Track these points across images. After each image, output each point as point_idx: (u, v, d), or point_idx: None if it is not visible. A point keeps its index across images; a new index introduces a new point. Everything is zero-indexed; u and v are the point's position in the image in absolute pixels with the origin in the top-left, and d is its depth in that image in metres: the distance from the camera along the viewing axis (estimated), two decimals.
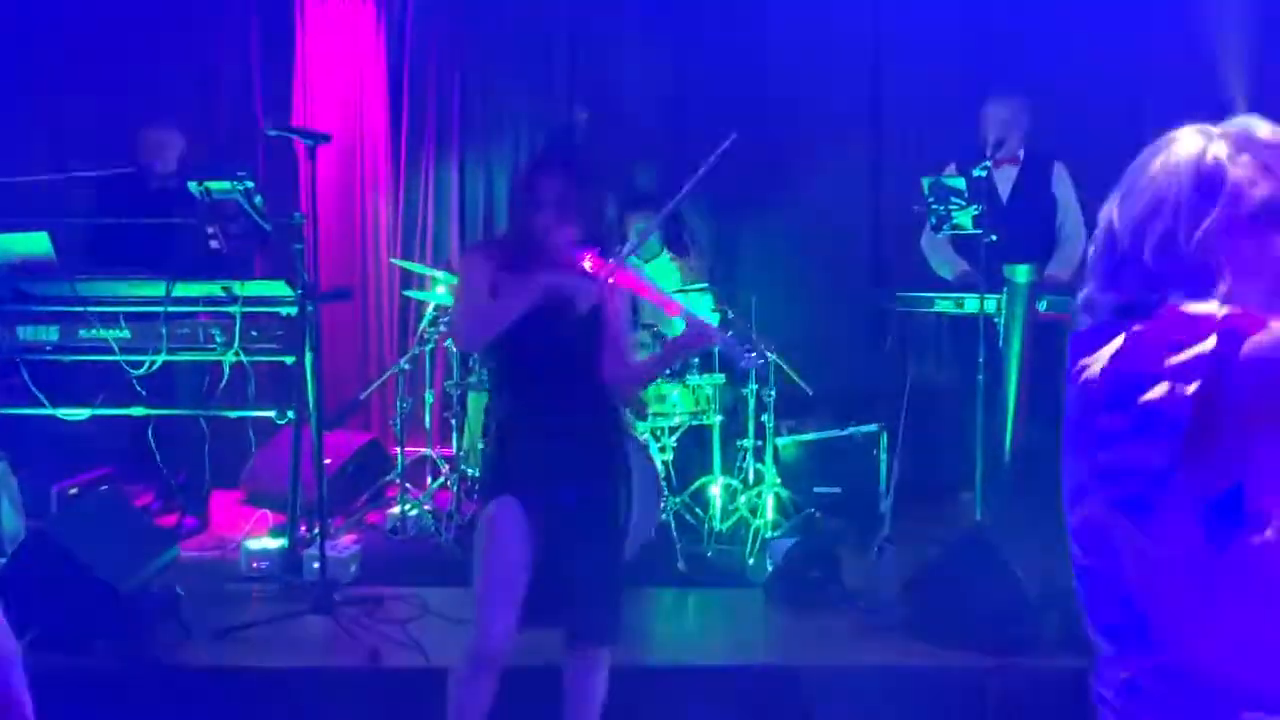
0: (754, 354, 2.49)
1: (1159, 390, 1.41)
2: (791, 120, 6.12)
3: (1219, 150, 1.49)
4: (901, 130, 6.14)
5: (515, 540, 2.75)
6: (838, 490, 5.50)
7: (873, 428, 5.52)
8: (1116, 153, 5.10)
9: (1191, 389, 1.40)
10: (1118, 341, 1.48)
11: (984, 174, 4.55)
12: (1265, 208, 1.47)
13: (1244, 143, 1.50)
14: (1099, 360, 1.50)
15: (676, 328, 2.69)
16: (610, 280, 2.64)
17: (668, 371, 3.54)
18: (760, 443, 5.25)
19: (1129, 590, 1.52)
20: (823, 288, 6.10)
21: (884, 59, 6.09)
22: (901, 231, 6.07)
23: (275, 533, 4.91)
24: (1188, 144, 1.53)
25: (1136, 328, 1.48)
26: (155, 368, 4.67)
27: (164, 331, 4.65)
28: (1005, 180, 4.98)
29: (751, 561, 4.70)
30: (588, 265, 2.66)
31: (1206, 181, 1.48)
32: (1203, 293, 1.46)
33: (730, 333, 2.49)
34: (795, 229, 6.15)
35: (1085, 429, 1.54)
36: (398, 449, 5.40)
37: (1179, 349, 1.42)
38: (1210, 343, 1.40)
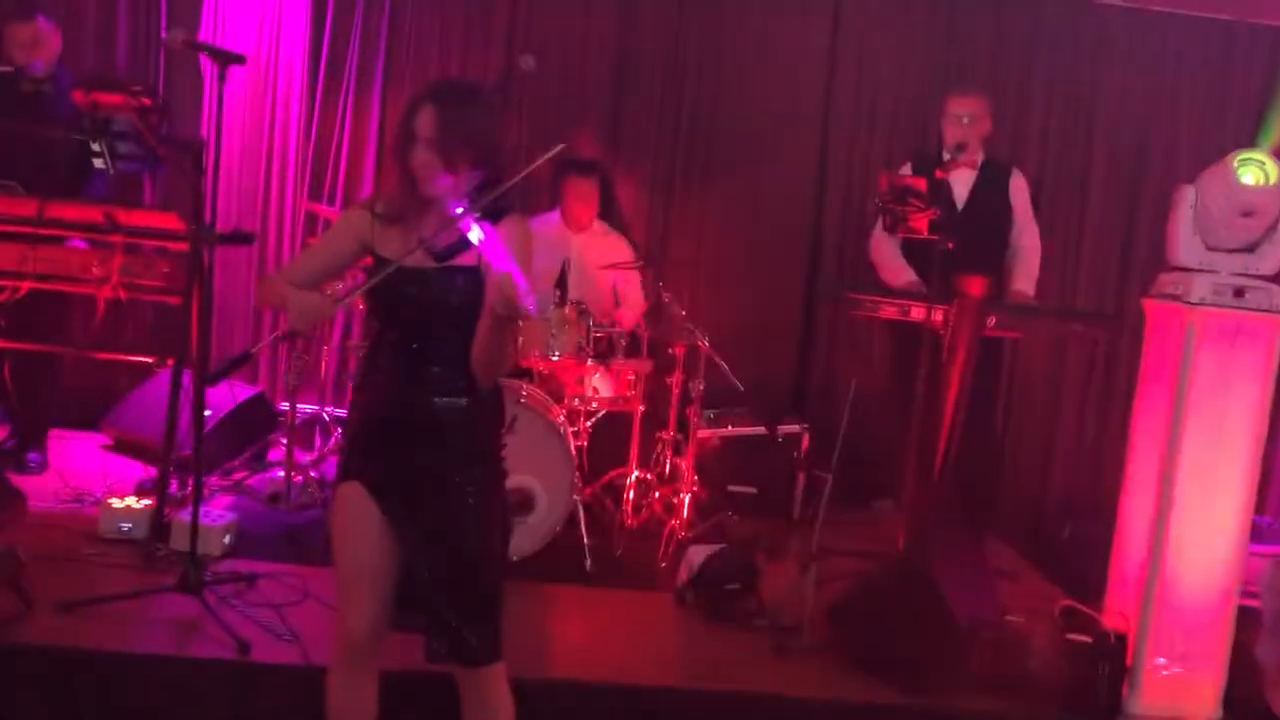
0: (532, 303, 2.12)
1: None
2: (740, 98, 5.80)
3: None
4: (851, 126, 5.87)
5: (361, 528, 2.48)
6: (753, 490, 5.27)
7: (795, 428, 5.30)
8: (1070, 165, 4.95)
9: None
10: None
11: (945, 176, 4.30)
12: None
13: None
14: None
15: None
16: (470, 236, 2.21)
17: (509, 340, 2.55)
18: (681, 436, 4.96)
19: None
20: (760, 280, 5.81)
21: (841, 48, 5.81)
22: (844, 229, 5.85)
23: (143, 489, 4.45)
24: None
25: None
26: (18, 295, 4.13)
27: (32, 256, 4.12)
28: (961, 185, 4.73)
29: (664, 565, 4.40)
30: (459, 218, 2.26)
31: None
32: None
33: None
34: (736, 215, 5.84)
35: None
36: (286, 405, 4.95)
37: None
38: None
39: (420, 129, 2.37)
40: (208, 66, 5.39)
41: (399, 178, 2.46)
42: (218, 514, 4.19)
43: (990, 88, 5.04)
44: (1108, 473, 5.67)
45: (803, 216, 5.87)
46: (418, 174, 2.40)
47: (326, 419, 5.39)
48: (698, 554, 4.06)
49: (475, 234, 2.18)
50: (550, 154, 2.41)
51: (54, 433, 5.00)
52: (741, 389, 4.64)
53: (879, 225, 4.72)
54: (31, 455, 4.76)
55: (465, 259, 2.37)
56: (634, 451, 4.74)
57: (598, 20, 5.82)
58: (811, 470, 5.21)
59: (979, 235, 4.60)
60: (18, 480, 4.58)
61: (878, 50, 5.78)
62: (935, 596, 3.55)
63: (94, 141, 4.26)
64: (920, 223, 4.33)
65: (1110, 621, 3.64)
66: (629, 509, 4.70)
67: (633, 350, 4.85)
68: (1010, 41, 5.80)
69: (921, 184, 4.29)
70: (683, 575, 4.08)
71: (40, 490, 4.50)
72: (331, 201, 5.76)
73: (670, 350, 4.85)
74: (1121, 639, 3.53)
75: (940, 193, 4.33)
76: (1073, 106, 5.79)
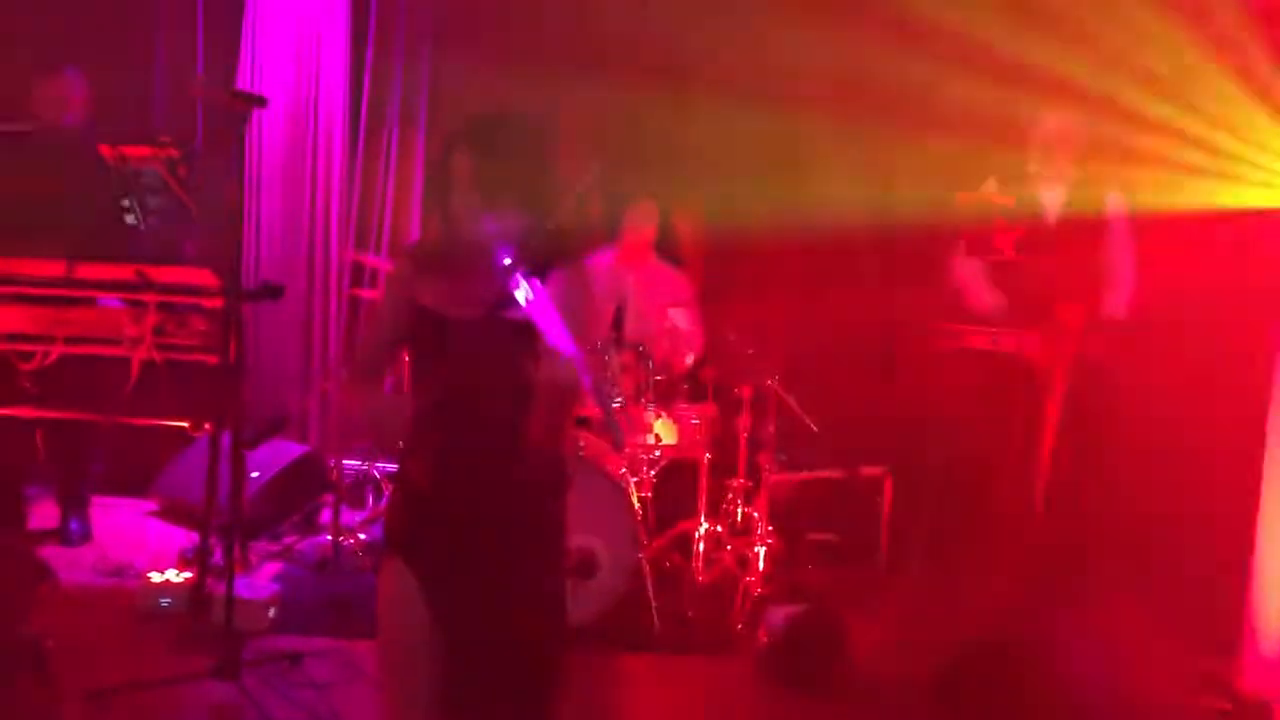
0: (619, 430, 1.86)
1: None
2: (799, 118, 5.47)
3: None
4: (922, 139, 5.49)
5: (407, 610, 2.17)
6: (833, 538, 4.91)
7: (876, 470, 4.92)
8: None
9: None
10: None
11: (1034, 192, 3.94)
12: None
13: None
14: None
15: None
16: (517, 295, 1.95)
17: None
18: (752, 484, 4.62)
19: None
20: (830, 312, 5.45)
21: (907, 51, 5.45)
22: (921, 254, 5.47)
23: (186, 559, 4.22)
24: None
25: None
26: (48, 361, 3.93)
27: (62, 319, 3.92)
28: (1052, 203, 4.35)
29: (740, 626, 4.04)
30: (506, 269, 1.98)
31: None
32: None
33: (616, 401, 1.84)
34: (802, 244, 5.48)
35: None
36: (336, 464, 4.70)
37: None
38: None
39: (457, 169, 2.10)
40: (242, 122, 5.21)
41: (438, 222, 2.18)
42: (261, 585, 3.94)
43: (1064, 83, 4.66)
44: (1221, 508, 5.21)
45: (874, 241, 5.51)
46: (458, 218, 2.12)
47: (378, 477, 5.14)
48: (778, 614, 3.71)
49: (523, 293, 1.90)
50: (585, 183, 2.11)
51: (97, 500, 4.81)
52: (815, 430, 4.28)
53: (961, 247, 4.35)
54: (72, 525, 4.58)
55: (517, 310, 2.09)
56: (702, 502, 4.40)
57: (646, 45, 5.55)
58: (896, 515, 4.84)
59: (1072, 256, 4.20)
60: (58, 553, 4.41)
61: (945, 53, 5.41)
62: (1055, 661, 3.15)
63: (124, 198, 4.10)
64: (1005, 243, 3.97)
65: (1250, 685, 3.21)
66: (699, 565, 4.35)
67: (696, 393, 4.54)
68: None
69: (1007, 201, 3.93)
70: (762, 638, 3.73)
71: (79, 563, 4.30)
72: (378, 250, 5.56)
73: (736, 391, 4.52)
74: (1265, 707, 3.10)
75: (1028, 210, 3.98)
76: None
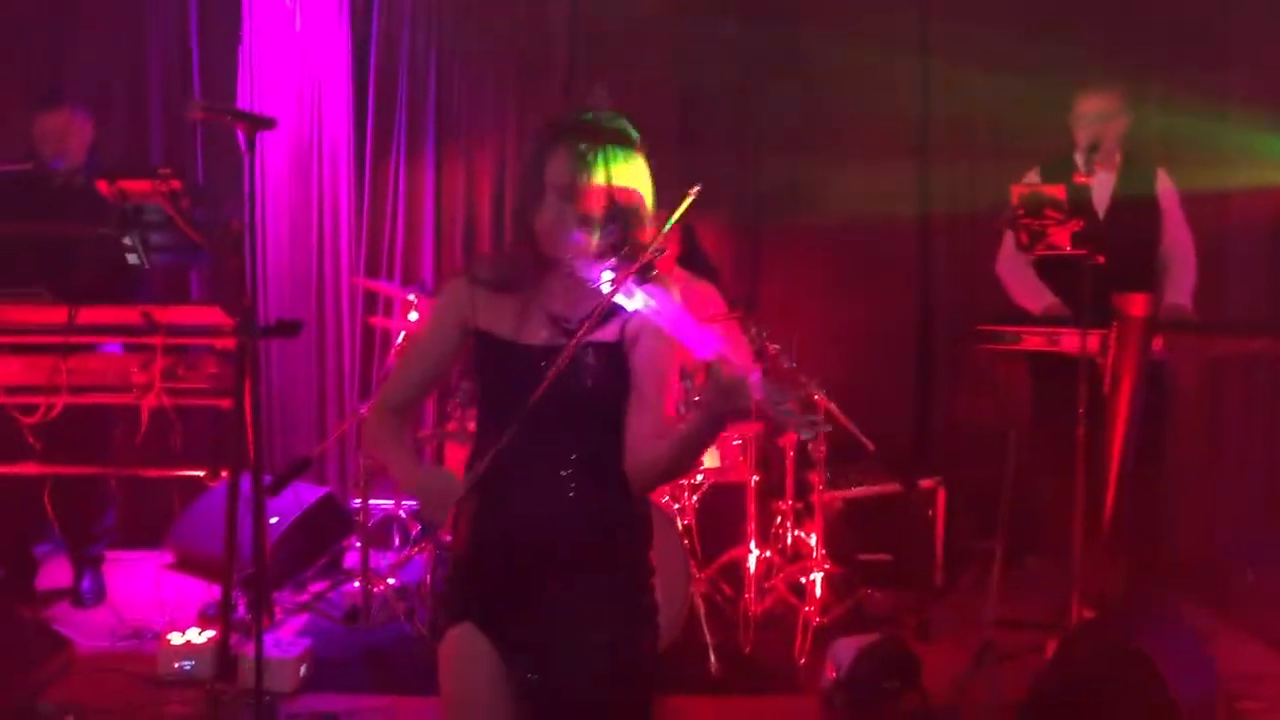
0: (813, 420, 1.64)
1: None
2: (823, 126, 5.26)
3: None
4: (953, 130, 5.28)
5: (477, 680, 1.95)
6: (887, 558, 4.66)
7: (929, 483, 4.66)
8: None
9: None
10: None
11: (1089, 181, 3.72)
12: None
13: None
14: None
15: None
16: (631, 304, 1.75)
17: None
18: (801, 505, 4.37)
19: None
20: (865, 320, 5.22)
21: (933, 42, 5.25)
22: (955, 254, 5.25)
23: (207, 616, 3.98)
24: None
25: None
26: (52, 415, 3.69)
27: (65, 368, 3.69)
28: (1101, 191, 4.13)
29: (803, 661, 3.79)
30: (607, 284, 1.77)
31: None
32: None
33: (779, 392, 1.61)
34: (831, 251, 5.25)
35: None
36: (359, 504, 4.45)
37: None
38: None
39: (551, 176, 1.85)
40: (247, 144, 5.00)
41: (519, 236, 1.93)
42: (289, 642, 3.69)
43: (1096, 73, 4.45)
44: None
45: (907, 245, 5.29)
46: (545, 232, 1.87)
47: (404, 516, 4.89)
48: (846, 649, 3.45)
49: (641, 301, 1.69)
50: (689, 198, 1.85)
51: (111, 555, 4.58)
52: (871, 447, 4.02)
53: (1008, 243, 4.12)
54: (85, 585, 4.34)
55: (599, 333, 1.86)
56: (751, 527, 4.15)
57: (658, 62, 5.35)
58: (952, 529, 4.59)
59: (1125, 246, 3.96)
60: (72, 615, 4.18)
61: (970, 56, 5.20)
62: (1155, 682, 2.89)
63: (126, 236, 3.87)
64: (1061, 236, 3.73)
65: None
66: (752, 595, 4.09)
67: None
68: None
69: (1060, 192, 3.70)
70: (830, 673, 3.47)
71: (95, 626, 4.05)
72: (390, 277, 5.33)
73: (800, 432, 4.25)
74: None
75: (1079, 201, 3.75)
76: (1199, 84, 5.06)
